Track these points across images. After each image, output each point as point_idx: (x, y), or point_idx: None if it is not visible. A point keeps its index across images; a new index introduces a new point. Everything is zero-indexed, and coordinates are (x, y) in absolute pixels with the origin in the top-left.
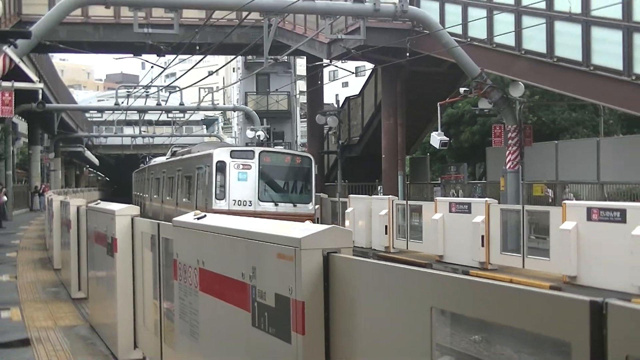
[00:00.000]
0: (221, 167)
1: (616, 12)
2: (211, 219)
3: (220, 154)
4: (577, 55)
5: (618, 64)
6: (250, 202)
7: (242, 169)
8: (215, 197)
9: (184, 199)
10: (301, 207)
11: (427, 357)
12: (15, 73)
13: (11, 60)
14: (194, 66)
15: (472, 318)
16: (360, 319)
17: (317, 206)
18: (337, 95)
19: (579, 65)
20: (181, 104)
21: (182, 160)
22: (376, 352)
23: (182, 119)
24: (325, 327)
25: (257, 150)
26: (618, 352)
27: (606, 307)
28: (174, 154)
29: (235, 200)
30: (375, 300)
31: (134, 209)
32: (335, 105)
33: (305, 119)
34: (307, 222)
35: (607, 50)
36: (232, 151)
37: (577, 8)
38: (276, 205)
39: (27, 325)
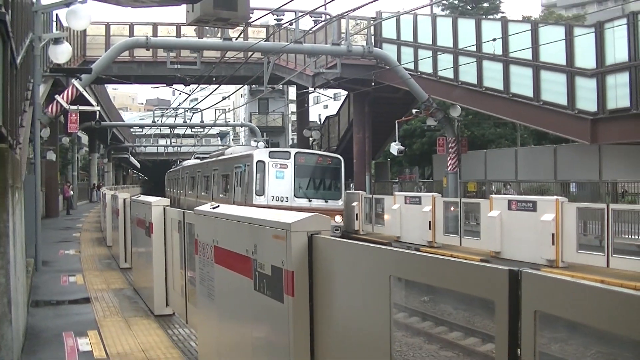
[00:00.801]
0: (261, 166)
1: (528, 54)
2: (223, 209)
3: (260, 155)
4: (500, 86)
5: (529, 93)
6: (286, 198)
7: (280, 168)
8: (256, 194)
9: (220, 195)
10: (332, 203)
11: (386, 313)
12: (80, 99)
13: (77, 89)
14: (211, 93)
15: (422, 283)
16: (336, 284)
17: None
18: (319, 115)
19: (501, 93)
20: (201, 121)
21: (219, 161)
22: (348, 309)
23: (202, 132)
24: (310, 290)
25: (293, 151)
26: (529, 308)
27: (520, 274)
28: (198, 158)
29: (273, 196)
30: (347, 270)
31: (166, 201)
32: (318, 122)
33: (295, 133)
34: (338, 216)
35: (522, 82)
36: (270, 152)
37: (499, 50)
38: (310, 201)
39: (88, 287)
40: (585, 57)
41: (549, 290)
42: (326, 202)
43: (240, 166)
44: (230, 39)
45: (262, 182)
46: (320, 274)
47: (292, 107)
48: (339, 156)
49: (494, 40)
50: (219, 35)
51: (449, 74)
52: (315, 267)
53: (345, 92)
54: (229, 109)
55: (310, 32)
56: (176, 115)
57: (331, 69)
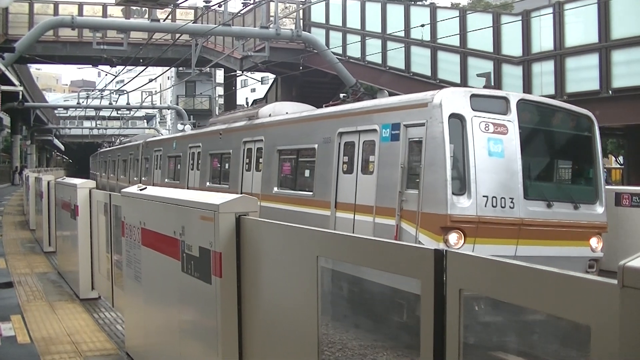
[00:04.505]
0: (456, 127)
1: (456, 41)
2: (150, 190)
3: (453, 100)
4: (427, 72)
5: (457, 79)
6: (511, 200)
7: (495, 132)
8: (452, 191)
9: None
10: (585, 210)
11: (314, 294)
12: (1, 79)
13: None
14: (138, 75)
15: (348, 262)
16: (264, 265)
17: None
18: (247, 98)
19: (428, 79)
20: (128, 103)
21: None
22: (276, 290)
23: (128, 115)
24: (237, 271)
25: (514, 97)
26: (454, 287)
27: (446, 254)
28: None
29: (486, 197)
30: (275, 251)
31: (91, 183)
32: (246, 106)
33: None
34: (594, 239)
35: (449, 69)
36: (473, 96)
37: (427, 36)
38: (549, 206)
39: (11, 271)
40: (512, 45)
41: (474, 269)
42: (577, 208)
43: (396, 130)
44: (158, 20)
45: (462, 166)
46: (248, 255)
47: (220, 90)
48: (591, 114)
49: (422, 26)
50: (147, 16)
51: (377, 59)
52: (243, 249)
53: (273, 76)
54: (155, 91)
55: (239, 14)
56: (102, 97)
57: (259, 52)
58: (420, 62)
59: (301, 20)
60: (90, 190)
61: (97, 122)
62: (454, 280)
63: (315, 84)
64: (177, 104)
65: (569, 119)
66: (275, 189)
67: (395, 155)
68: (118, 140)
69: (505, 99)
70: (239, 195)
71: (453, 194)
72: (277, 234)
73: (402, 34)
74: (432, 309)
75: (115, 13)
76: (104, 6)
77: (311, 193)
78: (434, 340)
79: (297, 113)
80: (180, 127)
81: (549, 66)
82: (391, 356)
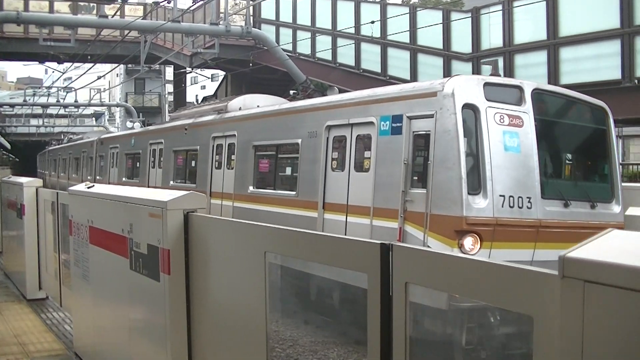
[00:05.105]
0: (470, 117)
1: (406, 38)
2: (98, 188)
3: (466, 89)
4: (377, 68)
5: (407, 76)
6: (528, 200)
7: (510, 125)
8: (468, 190)
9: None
10: (602, 210)
11: (262, 290)
12: None
13: None
14: (86, 72)
15: (296, 258)
16: (213, 262)
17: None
18: (197, 95)
19: (378, 76)
20: (76, 101)
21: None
22: (225, 286)
23: (76, 112)
24: (186, 268)
25: (528, 86)
26: (400, 279)
27: (392, 248)
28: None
29: (503, 197)
30: (223, 247)
31: (38, 182)
32: (195, 103)
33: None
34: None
35: (400, 65)
36: (486, 84)
37: (377, 33)
38: (566, 205)
39: None
40: (462, 42)
41: (420, 263)
42: (593, 207)
43: (397, 122)
44: (107, 17)
45: (476, 161)
46: (197, 252)
47: (169, 88)
48: (604, 104)
49: (373, 23)
50: (95, 12)
51: (328, 56)
52: (191, 245)
53: (224, 73)
54: (104, 88)
55: (189, 11)
56: (49, 95)
57: (209, 49)
58: (371, 58)
59: (251, 17)
60: (37, 189)
61: (45, 120)
62: (400, 273)
63: (265, 80)
64: (126, 102)
65: (584, 111)
66: (251, 188)
67: (397, 150)
68: (67, 138)
69: (520, 88)
70: (187, 192)
71: (468, 193)
72: (225, 230)
73: (352, 30)
74: (379, 302)
75: (63, 9)
76: (51, 1)
77: (294, 193)
78: (381, 334)
79: (272, 105)
80: (129, 124)
81: (498, 63)
82: (342, 352)
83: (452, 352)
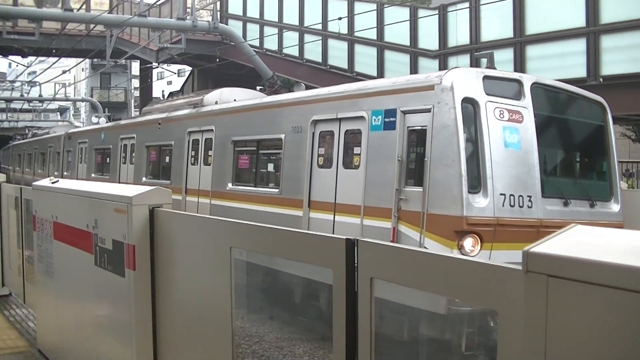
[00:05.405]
0: (469, 113)
1: (373, 34)
2: (62, 183)
3: (465, 82)
4: (344, 65)
5: (373, 72)
6: (529, 198)
7: (510, 120)
8: (468, 188)
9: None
10: (602, 209)
11: (228, 285)
12: None
13: None
14: (51, 66)
15: (262, 253)
16: (178, 257)
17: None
18: (163, 91)
19: (345, 72)
20: (40, 95)
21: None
22: (190, 282)
23: (40, 107)
24: (151, 263)
25: (527, 79)
26: (365, 275)
27: (357, 243)
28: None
29: (504, 196)
30: (189, 242)
31: (2, 177)
32: (162, 98)
33: (138, 109)
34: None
35: (367, 62)
36: (486, 77)
37: (344, 29)
38: (566, 204)
39: None
40: (429, 39)
41: (384, 258)
42: (592, 206)
43: (389, 117)
44: (72, 10)
45: (476, 158)
46: (162, 248)
47: (135, 83)
48: (603, 100)
49: (340, 19)
50: (60, 5)
51: (295, 52)
52: (157, 241)
53: (190, 68)
54: (69, 83)
55: (155, 5)
56: (13, 89)
57: (176, 44)
58: (338, 55)
59: (218, 12)
60: (0, 184)
61: (8, 115)
62: (365, 269)
63: (232, 76)
64: (92, 97)
65: (583, 106)
66: (230, 185)
67: (390, 146)
68: (31, 133)
69: (519, 82)
70: (153, 187)
71: (468, 192)
72: (191, 226)
73: (319, 27)
74: (344, 298)
75: (27, 2)
76: None
77: (277, 190)
78: (346, 330)
79: (252, 99)
80: (94, 119)
81: (465, 60)
82: (307, 348)
83: (416, 348)
